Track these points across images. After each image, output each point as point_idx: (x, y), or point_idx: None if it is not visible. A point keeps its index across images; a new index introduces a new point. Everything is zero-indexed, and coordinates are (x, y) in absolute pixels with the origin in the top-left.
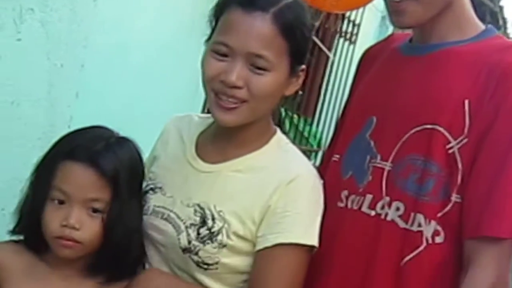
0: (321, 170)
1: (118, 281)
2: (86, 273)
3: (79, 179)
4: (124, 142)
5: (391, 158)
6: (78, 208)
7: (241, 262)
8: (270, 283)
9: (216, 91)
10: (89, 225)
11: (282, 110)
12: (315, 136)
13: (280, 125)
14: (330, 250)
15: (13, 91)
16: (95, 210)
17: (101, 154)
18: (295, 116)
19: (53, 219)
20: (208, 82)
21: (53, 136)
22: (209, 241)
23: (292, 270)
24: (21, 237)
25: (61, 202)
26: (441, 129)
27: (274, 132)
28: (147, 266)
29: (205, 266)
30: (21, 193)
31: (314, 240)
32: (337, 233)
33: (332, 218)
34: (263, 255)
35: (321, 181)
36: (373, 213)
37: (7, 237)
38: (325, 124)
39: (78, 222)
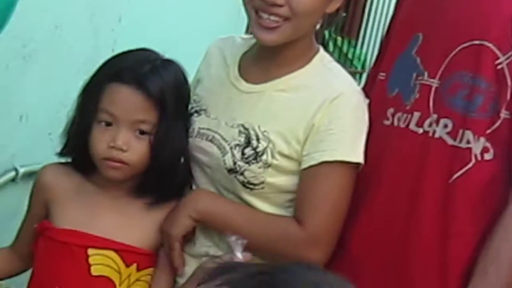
0: (366, 89)
1: (166, 202)
2: (134, 194)
3: (126, 101)
4: (170, 64)
5: (438, 75)
6: (125, 130)
7: (286, 181)
8: (316, 201)
9: (257, 9)
10: (136, 147)
11: (326, 32)
12: (359, 58)
13: (324, 47)
14: (377, 169)
15: (57, 16)
16: (142, 132)
17: (147, 76)
18: (339, 38)
19: (101, 141)
20: (248, 0)
21: (97, 60)
22: (254, 161)
23: (338, 188)
24: (69, 159)
25: (108, 124)
26: (489, 44)
27: (317, 51)
28: (194, 187)
29: (251, 186)
30: (68, 117)
31: (359, 157)
32: (384, 151)
33: (378, 136)
34: (308, 174)
35: (366, 99)
36: (420, 130)
37: (55, 160)
38: (369, 45)
39: (125, 143)
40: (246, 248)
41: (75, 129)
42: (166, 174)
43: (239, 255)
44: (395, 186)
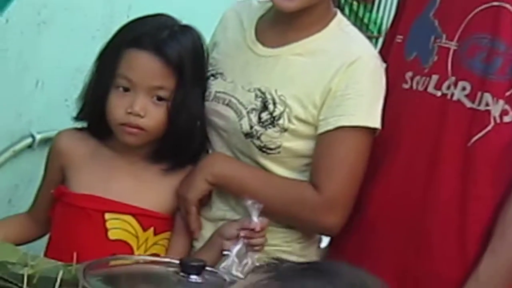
0: (383, 53)
1: (182, 167)
2: (151, 159)
3: (145, 67)
4: (187, 30)
5: (456, 37)
6: (143, 96)
7: (303, 146)
8: (333, 166)
9: None
10: (153, 113)
11: None
12: (375, 22)
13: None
14: (395, 133)
15: None
16: (159, 98)
17: (166, 42)
18: (355, 2)
19: (118, 106)
20: None
21: (112, 27)
22: (270, 126)
23: (355, 152)
24: (85, 125)
25: (126, 90)
26: (508, 5)
27: (335, 14)
28: (210, 151)
29: (268, 151)
30: (84, 83)
31: (376, 122)
32: (402, 115)
33: (396, 100)
34: (325, 139)
35: (383, 63)
36: (439, 93)
37: (71, 126)
38: (385, 9)
39: (142, 109)
40: (262, 213)
41: (91, 95)
42: (182, 140)
43: (255, 220)
44: (414, 150)
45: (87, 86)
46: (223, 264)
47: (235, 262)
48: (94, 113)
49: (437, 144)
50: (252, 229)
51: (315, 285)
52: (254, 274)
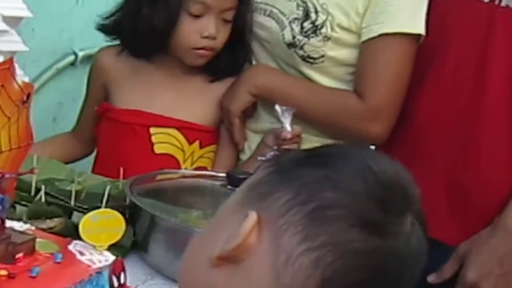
0: None
1: (225, 78)
2: (192, 71)
3: None
4: None
5: None
6: (215, 18)
7: (347, 54)
8: (376, 74)
9: None
10: (223, 34)
11: None
12: None
13: None
14: (441, 40)
15: None
16: (225, 20)
17: None
18: None
19: (192, 32)
20: None
21: None
22: (313, 35)
23: (399, 60)
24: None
25: (197, 16)
26: None
27: None
28: (254, 63)
29: (311, 60)
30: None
31: (420, 29)
32: (448, 21)
33: (441, 6)
34: (368, 47)
35: None
36: None
37: (112, 42)
38: None
39: (217, 31)
40: (308, 124)
41: (152, 19)
42: (227, 52)
43: (288, 127)
44: (461, 56)
45: (128, 5)
46: None
47: None
48: (139, 33)
49: (485, 49)
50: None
51: (314, 175)
52: (260, 170)
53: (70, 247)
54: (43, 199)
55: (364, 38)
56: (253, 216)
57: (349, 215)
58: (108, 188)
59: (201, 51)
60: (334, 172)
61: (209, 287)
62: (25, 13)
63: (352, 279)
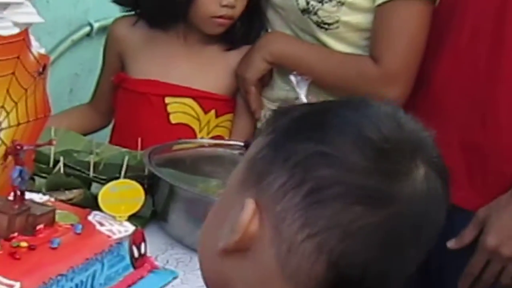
0: None
1: (240, 46)
2: (207, 40)
3: None
4: None
5: None
6: None
7: (362, 19)
8: (392, 38)
9: None
10: (241, 2)
11: None
12: None
13: None
14: (458, 4)
15: None
16: None
17: None
18: None
19: (211, 1)
20: None
21: None
22: (327, 0)
23: (414, 23)
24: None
25: None
26: None
27: None
28: (269, 30)
29: (326, 26)
30: None
31: None
32: None
33: None
34: (383, 10)
35: None
36: None
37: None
38: None
39: (235, 0)
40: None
41: None
42: (242, 20)
43: (303, 97)
44: (479, 19)
45: None
46: None
47: None
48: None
49: (503, 13)
50: None
51: (305, 150)
52: (258, 139)
53: (90, 218)
54: (61, 171)
55: (378, 1)
56: (249, 206)
57: (347, 193)
58: (126, 158)
59: (220, 20)
60: (326, 146)
61: (222, 274)
62: None
63: (362, 258)
